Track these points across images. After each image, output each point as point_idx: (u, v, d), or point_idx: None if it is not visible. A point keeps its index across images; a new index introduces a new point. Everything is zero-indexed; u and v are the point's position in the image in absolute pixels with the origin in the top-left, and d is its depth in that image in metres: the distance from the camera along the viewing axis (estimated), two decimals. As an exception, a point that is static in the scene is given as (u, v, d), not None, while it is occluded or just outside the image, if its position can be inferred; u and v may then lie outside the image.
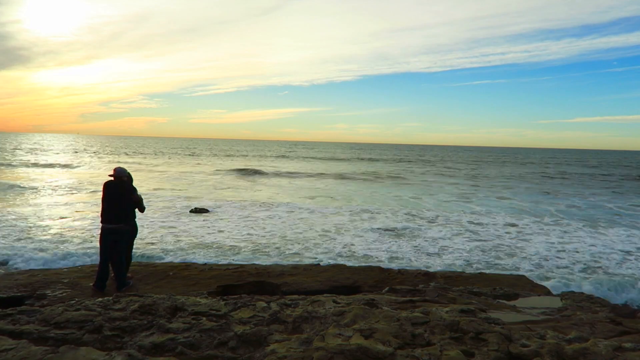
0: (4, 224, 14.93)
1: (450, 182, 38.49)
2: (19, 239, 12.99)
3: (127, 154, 73.99)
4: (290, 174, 40.43)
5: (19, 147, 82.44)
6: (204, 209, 19.91)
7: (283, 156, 77.20)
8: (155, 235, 14.59)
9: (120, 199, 6.60)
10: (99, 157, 61.85)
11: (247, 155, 79.36)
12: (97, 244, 7.05)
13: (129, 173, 6.98)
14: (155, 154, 74.41)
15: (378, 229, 16.80)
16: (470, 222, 18.55)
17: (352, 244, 14.00)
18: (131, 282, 6.70)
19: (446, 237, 15.49)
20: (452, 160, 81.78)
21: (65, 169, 41.10)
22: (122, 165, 7.05)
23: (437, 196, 28.33)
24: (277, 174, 39.73)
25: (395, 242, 14.56)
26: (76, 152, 76.22)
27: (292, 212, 20.28)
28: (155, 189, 27.52)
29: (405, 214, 20.31)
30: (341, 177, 40.31)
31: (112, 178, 6.70)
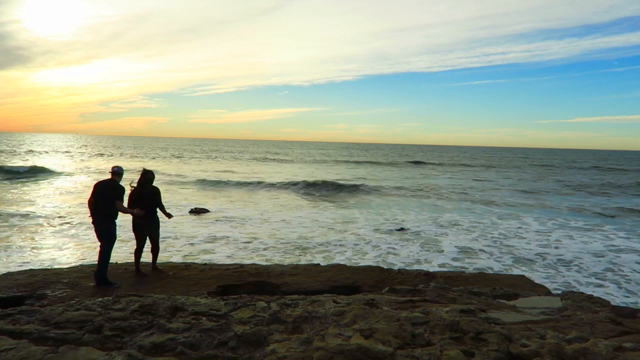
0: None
1: (464, 185, 37.89)
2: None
3: (130, 155, 73.91)
4: (291, 177, 40.38)
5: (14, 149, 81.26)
6: (203, 209, 19.92)
7: (282, 159, 77.07)
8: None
9: (105, 200, 6.46)
10: (92, 160, 61.48)
11: (247, 157, 79.23)
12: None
13: (156, 187, 7.23)
14: (155, 156, 74.28)
15: (397, 233, 16.23)
16: (499, 228, 17.75)
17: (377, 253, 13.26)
18: (117, 284, 6.50)
19: (475, 246, 14.64)
20: (461, 162, 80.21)
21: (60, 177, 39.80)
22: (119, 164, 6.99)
23: (451, 200, 27.68)
24: (278, 178, 39.68)
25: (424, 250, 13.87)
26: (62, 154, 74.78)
27: (295, 215, 20.08)
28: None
29: (425, 219, 19.56)
30: (345, 179, 40.24)
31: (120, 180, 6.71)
